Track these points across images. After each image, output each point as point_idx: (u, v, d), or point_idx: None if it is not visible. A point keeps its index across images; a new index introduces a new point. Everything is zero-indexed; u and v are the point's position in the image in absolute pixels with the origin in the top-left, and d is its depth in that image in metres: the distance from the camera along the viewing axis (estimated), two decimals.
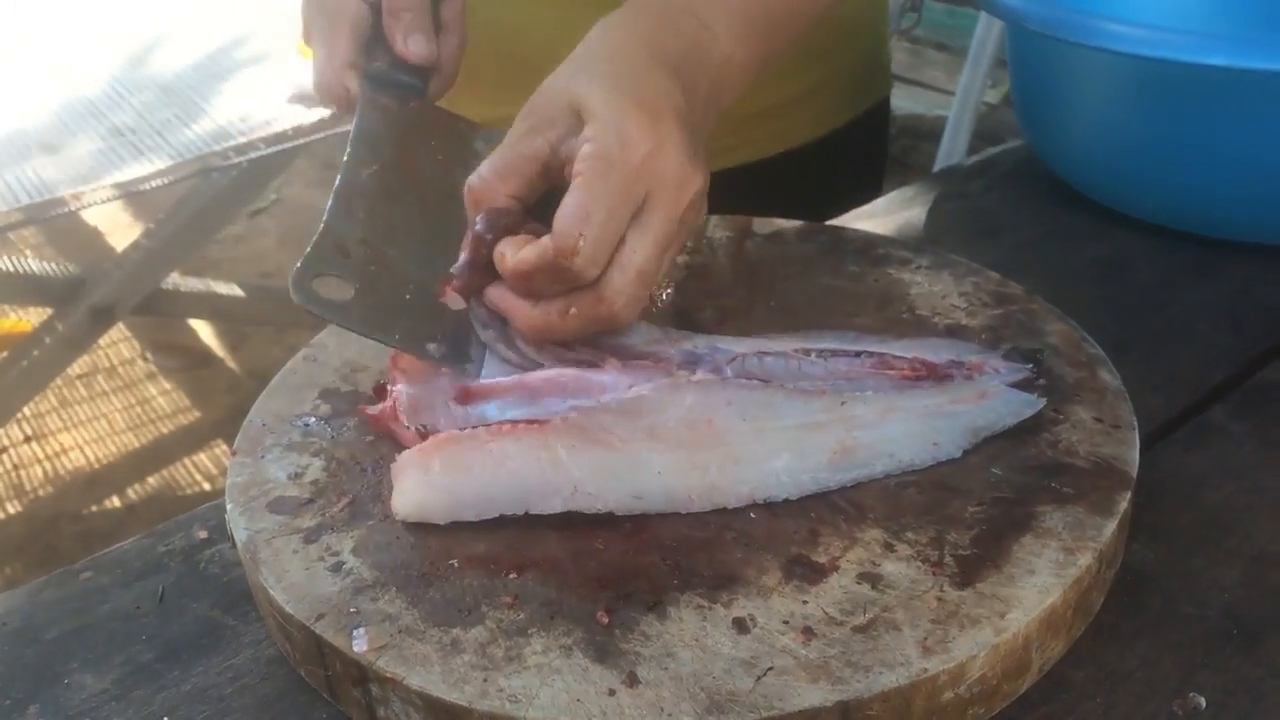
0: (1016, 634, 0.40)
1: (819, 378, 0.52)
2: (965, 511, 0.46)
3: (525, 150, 0.50)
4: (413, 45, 0.59)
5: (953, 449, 0.49)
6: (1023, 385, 0.51)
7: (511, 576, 0.44)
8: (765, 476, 0.47)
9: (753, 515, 0.46)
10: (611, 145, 0.47)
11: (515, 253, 0.48)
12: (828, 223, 0.71)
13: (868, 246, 0.66)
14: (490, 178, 0.51)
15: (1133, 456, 0.48)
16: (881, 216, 0.80)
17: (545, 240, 0.47)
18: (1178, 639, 0.45)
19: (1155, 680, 0.43)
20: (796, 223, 0.68)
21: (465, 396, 0.50)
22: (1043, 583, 0.42)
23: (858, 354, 0.53)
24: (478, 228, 0.50)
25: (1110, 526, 0.44)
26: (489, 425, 0.48)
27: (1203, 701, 0.42)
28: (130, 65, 1.96)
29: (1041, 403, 0.50)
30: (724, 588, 0.43)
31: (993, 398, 0.50)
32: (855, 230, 0.69)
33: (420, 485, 0.46)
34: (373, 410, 0.52)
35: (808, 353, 0.53)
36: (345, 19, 0.59)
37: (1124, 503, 0.46)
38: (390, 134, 0.58)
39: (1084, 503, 0.46)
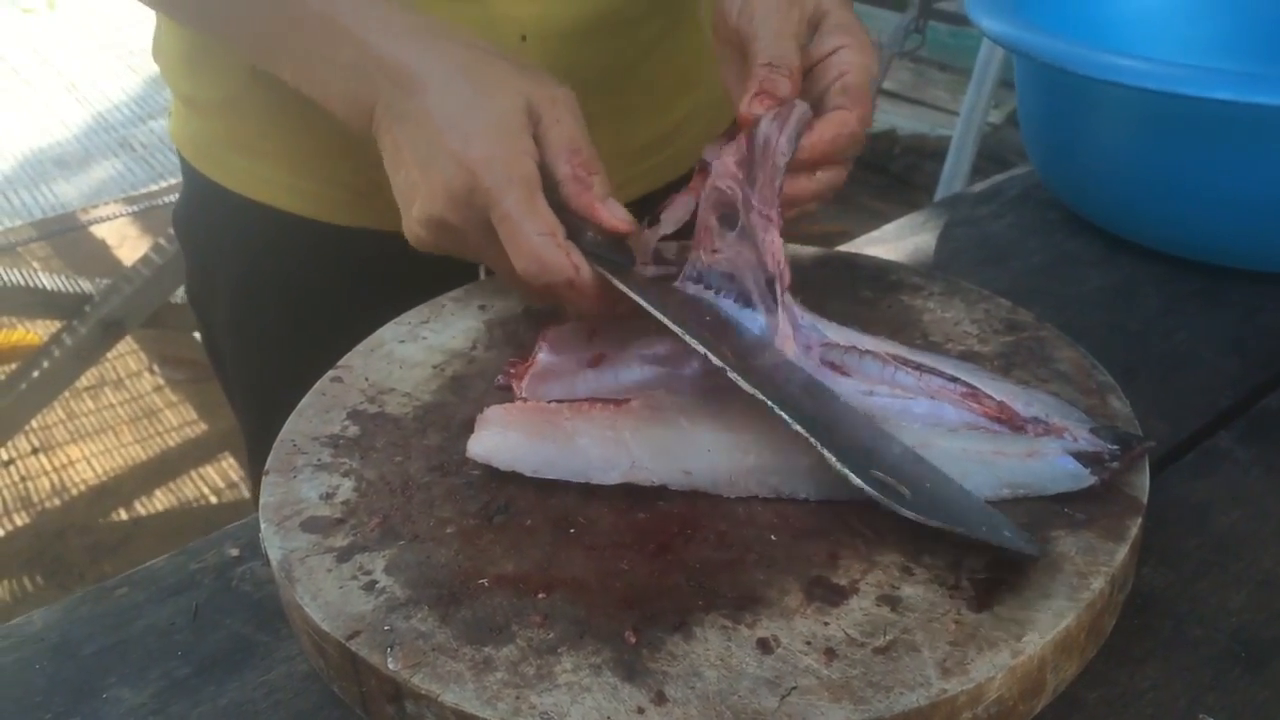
0: (1032, 656, 0.41)
1: (907, 389, 0.52)
2: None
3: (799, 51, 0.57)
4: (618, 213, 0.52)
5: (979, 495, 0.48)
6: (1087, 458, 0.49)
7: (540, 596, 0.45)
8: (793, 473, 0.49)
9: (773, 538, 0.48)
10: (869, 54, 0.58)
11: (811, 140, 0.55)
12: (838, 249, 0.73)
13: (881, 273, 0.68)
14: (795, 78, 0.56)
15: (1143, 482, 0.49)
16: (892, 242, 0.82)
17: (839, 115, 0.56)
18: (1187, 661, 0.46)
19: (1165, 701, 0.45)
20: (811, 249, 0.70)
21: (598, 360, 0.55)
22: (1057, 606, 0.43)
23: (953, 379, 0.53)
24: (791, 136, 0.54)
25: (1122, 551, 0.46)
26: (574, 402, 0.52)
27: None
28: (147, 85, 1.98)
29: (1092, 480, 0.48)
30: (747, 609, 0.44)
31: (1038, 459, 0.49)
32: (868, 256, 0.70)
33: (495, 437, 0.51)
34: (512, 370, 0.57)
35: (905, 362, 0.53)
36: (535, 184, 0.51)
37: (1135, 528, 0.47)
38: (667, 310, 0.52)
39: (1096, 528, 0.47)
